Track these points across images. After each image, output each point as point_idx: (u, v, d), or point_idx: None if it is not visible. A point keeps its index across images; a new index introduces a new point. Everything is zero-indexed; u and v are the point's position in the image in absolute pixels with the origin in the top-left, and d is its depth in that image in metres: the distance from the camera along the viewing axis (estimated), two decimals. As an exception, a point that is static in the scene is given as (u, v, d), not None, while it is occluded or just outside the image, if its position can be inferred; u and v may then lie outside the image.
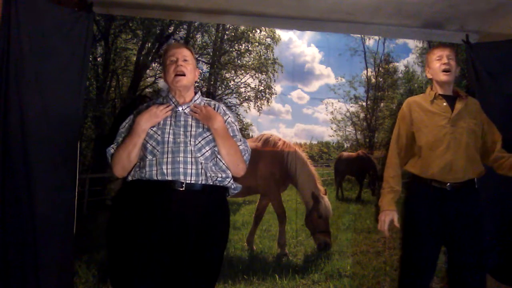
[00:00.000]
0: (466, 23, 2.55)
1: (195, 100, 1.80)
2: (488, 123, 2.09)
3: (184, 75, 1.74)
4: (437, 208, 1.98)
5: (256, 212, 2.36)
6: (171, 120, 1.72)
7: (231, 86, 2.42)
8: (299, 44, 2.51)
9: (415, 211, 2.07)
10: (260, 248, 2.35)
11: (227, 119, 1.81)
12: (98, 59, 2.28)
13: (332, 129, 2.49)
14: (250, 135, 2.42)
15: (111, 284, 2.02)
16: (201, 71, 2.39)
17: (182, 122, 1.72)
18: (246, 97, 2.42)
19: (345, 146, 2.51)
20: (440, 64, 2.04)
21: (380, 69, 2.56)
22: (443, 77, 2.04)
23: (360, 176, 2.49)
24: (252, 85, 2.43)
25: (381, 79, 2.55)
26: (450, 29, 2.62)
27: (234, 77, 2.42)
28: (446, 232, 1.98)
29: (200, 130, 1.71)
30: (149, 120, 1.68)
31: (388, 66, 2.56)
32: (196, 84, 2.38)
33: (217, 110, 1.80)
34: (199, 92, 1.86)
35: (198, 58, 2.39)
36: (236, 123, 1.87)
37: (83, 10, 2.18)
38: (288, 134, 2.43)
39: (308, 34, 2.52)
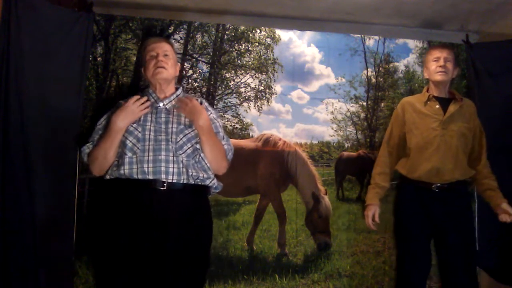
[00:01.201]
0: (466, 23, 2.55)
1: (178, 95, 1.75)
2: (480, 130, 2.08)
3: (164, 68, 1.70)
4: (424, 209, 2.00)
5: (256, 212, 2.36)
6: (151, 117, 1.67)
7: (231, 86, 2.41)
8: (299, 44, 2.51)
9: (404, 212, 2.11)
10: (260, 248, 2.35)
11: (209, 115, 1.75)
12: (98, 59, 2.28)
13: (332, 129, 2.49)
14: (250, 135, 2.42)
15: (96, 285, 2.01)
16: (201, 71, 2.39)
17: (163, 119, 1.67)
18: (246, 97, 2.42)
19: (346, 146, 2.51)
20: (436, 66, 2.03)
21: (380, 69, 2.56)
22: (437, 76, 2.02)
23: (360, 176, 2.49)
24: (252, 85, 2.43)
25: (381, 79, 2.55)
26: (450, 29, 2.62)
27: (234, 77, 2.42)
28: (434, 233, 2.01)
29: (182, 126, 1.67)
30: (125, 118, 1.63)
31: (388, 66, 2.57)
32: (196, 84, 2.39)
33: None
34: (181, 88, 1.81)
35: (198, 58, 2.39)
36: (219, 120, 1.83)
37: (83, 10, 2.18)
38: (288, 134, 2.43)
39: (308, 34, 2.52)
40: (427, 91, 2.11)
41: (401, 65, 2.57)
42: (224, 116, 2.39)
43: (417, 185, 2.02)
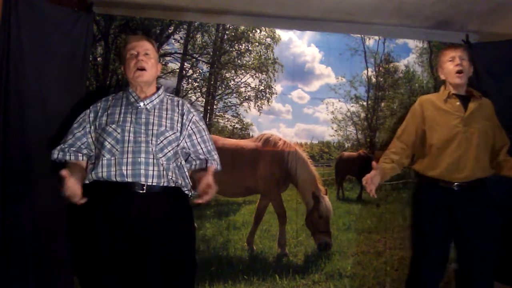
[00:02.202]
0: (466, 23, 2.55)
1: (159, 95, 1.69)
2: (499, 127, 2.07)
3: (145, 70, 1.64)
4: (445, 207, 1.97)
5: (256, 212, 2.36)
6: (131, 117, 1.61)
7: (231, 86, 2.41)
8: (299, 44, 2.51)
9: (423, 211, 2.07)
10: (260, 248, 2.34)
11: (192, 117, 1.71)
12: (98, 59, 2.28)
13: (332, 128, 2.49)
14: (250, 135, 2.42)
15: None
16: (201, 71, 2.39)
17: (143, 120, 1.61)
18: (246, 97, 2.42)
19: (346, 146, 2.51)
20: (453, 66, 2.01)
21: (381, 69, 2.56)
22: (456, 79, 2.01)
23: (361, 176, 2.44)
24: (252, 85, 2.43)
25: (381, 79, 2.55)
26: (450, 29, 2.61)
27: (234, 77, 2.42)
28: (454, 232, 1.98)
29: (162, 128, 1.61)
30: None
31: (389, 66, 2.56)
32: (196, 84, 2.38)
33: (182, 107, 1.71)
34: (162, 87, 1.76)
35: (198, 58, 2.39)
36: (203, 124, 1.77)
37: (83, 10, 2.18)
38: (289, 134, 2.43)
39: (308, 34, 2.52)
40: (445, 89, 2.09)
41: (401, 65, 2.57)
42: (224, 116, 2.39)
43: (437, 184, 1.99)
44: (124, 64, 1.69)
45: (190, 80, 2.36)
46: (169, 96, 1.76)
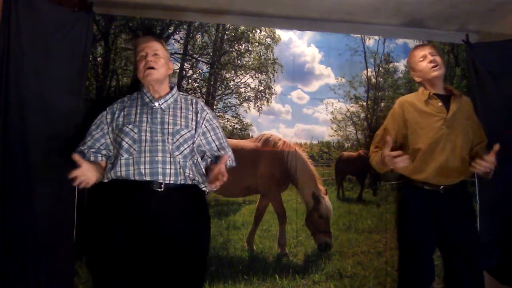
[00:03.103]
0: (466, 23, 2.55)
1: (173, 95, 1.73)
2: (478, 124, 2.06)
3: (153, 68, 1.68)
4: (431, 210, 1.96)
5: (256, 212, 2.36)
6: (147, 117, 1.65)
7: (231, 86, 2.41)
8: (299, 44, 2.51)
9: (410, 214, 2.06)
10: (260, 248, 2.34)
11: (205, 115, 1.75)
12: (98, 59, 2.28)
13: (332, 129, 2.49)
14: (250, 135, 2.41)
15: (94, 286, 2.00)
16: (201, 71, 2.39)
17: (159, 119, 1.65)
18: (246, 97, 2.42)
19: (346, 146, 2.51)
20: (426, 63, 1.99)
21: (380, 69, 2.56)
22: (434, 72, 1.97)
23: (361, 176, 2.48)
24: (252, 85, 2.43)
25: (381, 79, 2.55)
26: (450, 29, 2.62)
27: (234, 77, 2.42)
28: (440, 235, 1.97)
29: (178, 127, 1.66)
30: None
31: (388, 66, 2.57)
32: (196, 84, 2.39)
33: (196, 105, 1.75)
34: (175, 87, 1.80)
35: (198, 58, 2.39)
36: (217, 122, 1.81)
37: (83, 10, 2.19)
38: (288, 134, 2.43)
39: (308, 34, 2.52)
40: (425, 89, 2.05)
41: (401, 65, 2.57)
42: (224, 117, 2.39)
43: (423, 187, 1.98)
44: (135, 66, 1.75)
45: (190, 81, 2.36)
46: (182, 95, 1.80)
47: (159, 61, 1.71)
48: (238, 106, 2.41)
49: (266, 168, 2.37)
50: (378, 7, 2.39)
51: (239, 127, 2.41)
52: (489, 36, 2.56)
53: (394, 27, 2.62)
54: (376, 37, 2.55)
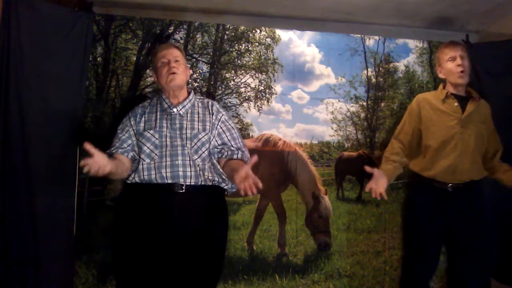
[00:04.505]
0: (466, 23, 2.55)
1: (190, 100, 1.78)
2: (494, 131, 2.05)
3: (176, 74, 1.72)
4: (438, 208, 1.95)
5: (256, 212, 2.36)
6: (166, 123, 1.70)
7: (231, 86, 2.41)
8: (299, 44, 2.51)
9: (416, 211, 2.05)
10: (260, 248, 2.34)
11: (221, 117, 1.78)
12: (98, 59, 2.28)
13: (332, 129, 2.49)
14: (250, 135, 2.42)
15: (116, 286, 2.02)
16: (201, 71, 2.39)
17: (177, 125, 1.70)
18: (246, 97, 2.42)
19: (346, 146, 2.51)
20: (455, 66, 1.96)
21: (380, 69, 2.56)
22: (459, 79, 1.96)
23: (360, 176, 2.49)
24: (252, 85, 2.43)
25: (381, 79, 2.55)
26: (450, 29, 2.62)
27: (234, 77, 2.42)
28: (446, 233, 1.96)
29: (195, 131, 1.70)
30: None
31: (388, 66, 2.57)
32: (196, 84, 2.39)
33: (211, 108, 1.78)
34: (193, 92, 1.84)
35: (198, 58, 2.39)
36: (232, 123, 1.83)
37: (83, 10, 2.18)
38: (288, 134, 2.43)
39: (308, 34, 2.52)
40: (443, 88, 2.03)
41: (401, 65, 2.57)
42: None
43: (431, 184, 1.97)
44: (156, 73, 1.77)
45: (190, 81, 2.36)
46: (199, 98, 1.83)
47: (180, 67, 1.75)
48: (238, 106, 2.42)
49: (266, 168, 2.37)
50: (378, 7, 2.38)
51: (239, 126, 2.41)
52: (489, 36, 2.56)
53: (394, 27, 2.62)
54: (376, 37, 2.55)
